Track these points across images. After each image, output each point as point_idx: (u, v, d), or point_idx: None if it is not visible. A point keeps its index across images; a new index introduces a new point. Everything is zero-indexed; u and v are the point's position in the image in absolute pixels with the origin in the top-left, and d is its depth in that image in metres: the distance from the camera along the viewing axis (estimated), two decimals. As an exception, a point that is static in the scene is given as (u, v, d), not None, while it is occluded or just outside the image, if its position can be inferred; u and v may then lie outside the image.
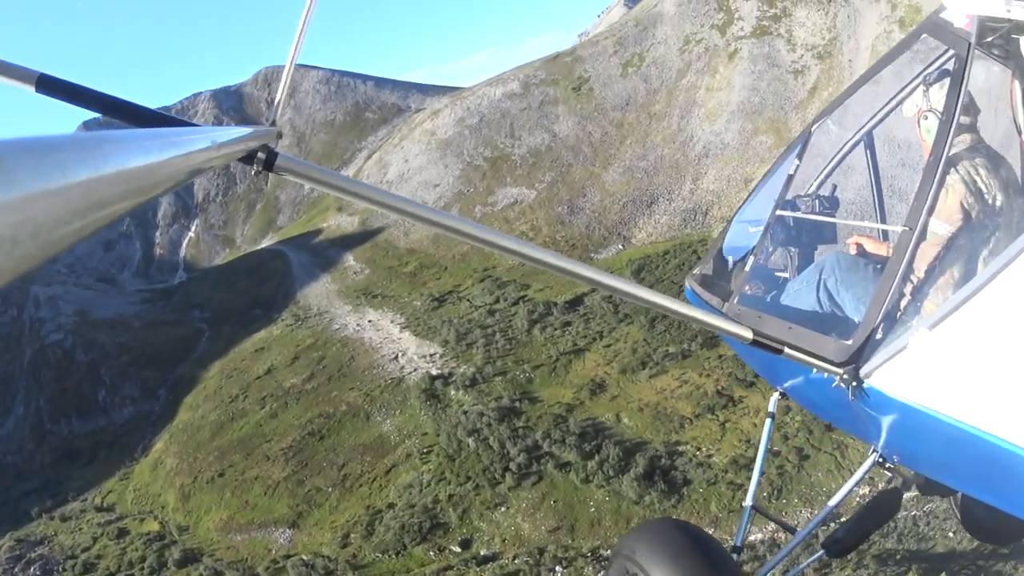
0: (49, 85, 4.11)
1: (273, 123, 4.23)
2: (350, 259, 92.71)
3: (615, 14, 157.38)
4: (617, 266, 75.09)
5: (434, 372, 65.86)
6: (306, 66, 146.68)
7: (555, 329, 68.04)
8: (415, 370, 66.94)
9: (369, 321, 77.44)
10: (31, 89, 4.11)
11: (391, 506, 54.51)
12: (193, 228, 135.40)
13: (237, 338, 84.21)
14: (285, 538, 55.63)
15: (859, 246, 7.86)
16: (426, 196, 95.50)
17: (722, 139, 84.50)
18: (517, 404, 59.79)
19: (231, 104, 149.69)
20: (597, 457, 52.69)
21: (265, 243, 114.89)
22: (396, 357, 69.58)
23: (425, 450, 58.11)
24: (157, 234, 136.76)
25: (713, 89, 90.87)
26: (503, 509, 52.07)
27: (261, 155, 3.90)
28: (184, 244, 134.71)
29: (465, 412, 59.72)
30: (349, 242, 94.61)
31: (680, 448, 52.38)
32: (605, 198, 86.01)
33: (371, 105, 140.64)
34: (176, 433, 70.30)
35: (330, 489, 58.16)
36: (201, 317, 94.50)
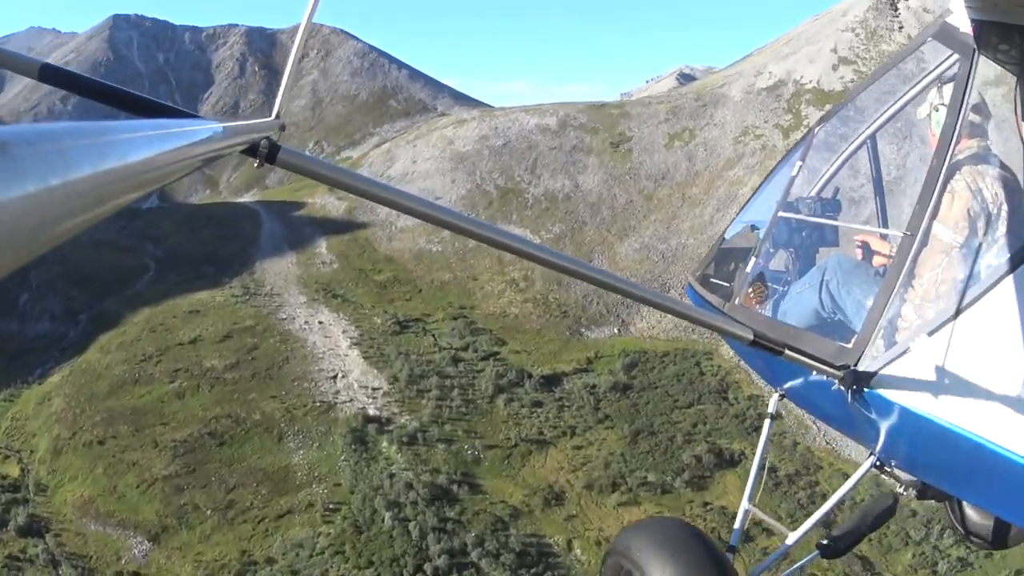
0: (51, 74, 3.86)
1: (277, 116, 3.79)
2: (323, 246, 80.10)
3: (664, 84, 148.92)
4: (608, 353, 63.04)
5: (372, 411, 53.52)
6: (347, 33, 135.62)
7: (523, 405, 55.62)
8: (351, 400, 54.48)
9: (320, 323, 64.52)
10: (34, 78, 3.91)
11: (270, 561, 43.77)
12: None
13: (178, 290, 72.29)
14: (141, 551, 45.39)
15: (865, 244, 7.33)
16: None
17: (755, 248, 71.81)
18: (455, 488, 48.36)
19: (261, 47, 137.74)
20: (534, 590, 42.80)
21: (247, 198, 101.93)
22: (335, 377, 57.00)
23: (332, 506, 47.07)
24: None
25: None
26: (400, 619, 41.79)
27: (264, 147, 3.54)
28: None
29: (392, 476, 48.26)
30: (328, 227, 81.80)
31: (637, 614, 39.56)
32: (613, 271, 73.16)
33: (398, 94, 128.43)
34: (76, 372, 59.35)
35: (209, 512, 47.05)
36: (153, 253, 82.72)
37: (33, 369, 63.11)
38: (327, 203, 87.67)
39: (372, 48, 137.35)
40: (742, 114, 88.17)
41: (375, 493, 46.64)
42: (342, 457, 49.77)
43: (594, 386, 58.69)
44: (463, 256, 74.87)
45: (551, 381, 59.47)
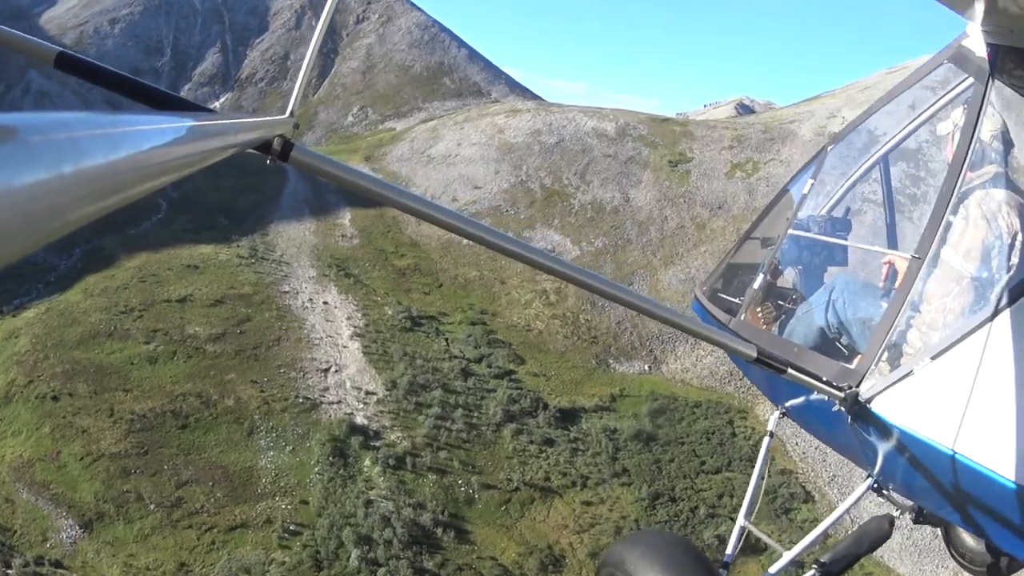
0: (67, 63, 3.96)
1: (291, 114, 3.78)
2: (346, 218, 71.76)
3: (722, 111, 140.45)
4: (634, 392, 55.02)
5: (360, 420, 45.28)
6: (412, 2, 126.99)
7: (532, 441, 47.30)
8: (339, 402, 46.28)
9: (324, 303, 56.15)
10: (50, 66, 3.98)
11: (209, 584, 35.95)
12: (223, 98, 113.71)
13: (184, 238, 64.51)
14: (70, 536, 38.10)
15: (891, 264, 6.83)
16: (460, 194, 75.37)
17: (810, 300, 63.15)
18: (439, 532, 40.19)
19: (322, 1, 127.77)
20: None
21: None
22: (327, 370, 48.79)
23: (293, 527, 39.22)
24: (187, 86, 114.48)
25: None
26: None
27: (277, 145, 3.53)
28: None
29: (369, 504, 40.20)
30: (356, 198, 73.01)
31: None
32: (654, 298, 64.22)
33: (454, 72, 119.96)
34: (52, 312, 51.58)
35: (153, 506, 39.06)
36: (168, 194, 73.77)
37: (12, 299, 55.93)
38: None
39: (435, 22, 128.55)
40: (809, 155, 79.00)
41: (345, 522, 38.53)
42: (316, 469, 41.62)
43: (615, 431, 50.09)
44: (494, 255, 65.86)
45: (568, 416, 50.81)
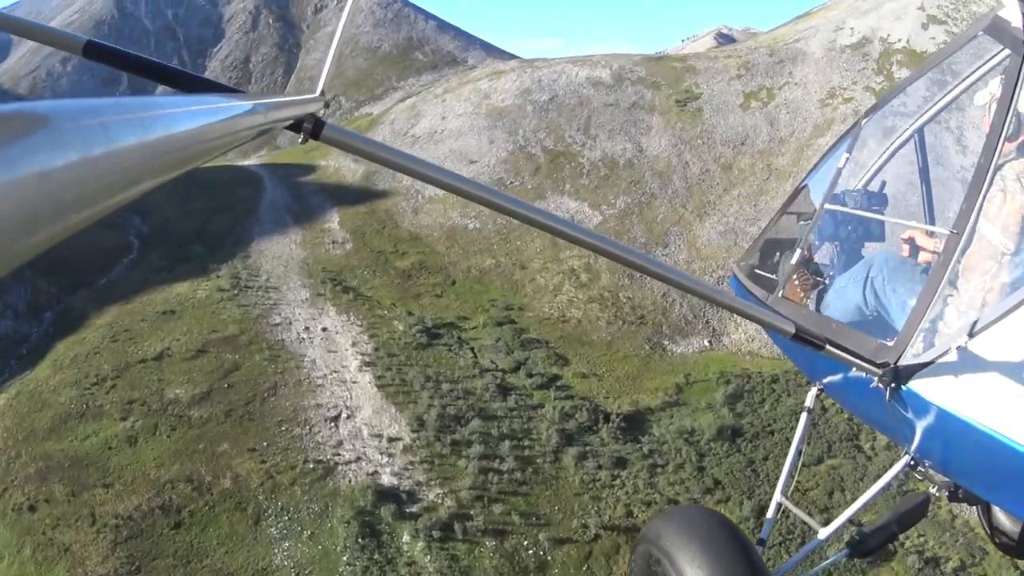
0: (96, 51, 3.77)
1: (321, 93, 3.55)
2: (335, 220, 61.70)
3: (702, 44, 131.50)
4: (701, 376, 46.11)
5: (386, 479, 35.49)
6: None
7: (600, 466, 37.78)
8: (358, 459, 36.60)
9: (323, 329, 46.34)
10: (78, 55, 3.83)
11: None
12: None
13: (156, 278, 54.31)
14: None
15: (912, 240, 6.53)
16: (455, 170, 63.30)
17: (867, 227, 53.49)
18: None
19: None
20: None
21: (253, 160, 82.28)
22: (337, 418, 38.87)
23: None
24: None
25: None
26: None
27: (308, 124, 3.27)
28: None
29: None
30: (342, 196, 63.50)
31: None
32: (694, 259, 54.79)
33: (425, 46, 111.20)
34: (21, 397, 41.99)
35: None
36: (139, 229, 63.86)
37: (-15, 381, 46.70)
38: (341, 166, 69.07)
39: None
40: (826, 73, 69.82)
41: (391, 628, 28.69)
42: (344, 558, 32.03)
43: (692, 431, 40.52)
44: (507, 236, 56.37)
45: (634, 424, 41.11)
